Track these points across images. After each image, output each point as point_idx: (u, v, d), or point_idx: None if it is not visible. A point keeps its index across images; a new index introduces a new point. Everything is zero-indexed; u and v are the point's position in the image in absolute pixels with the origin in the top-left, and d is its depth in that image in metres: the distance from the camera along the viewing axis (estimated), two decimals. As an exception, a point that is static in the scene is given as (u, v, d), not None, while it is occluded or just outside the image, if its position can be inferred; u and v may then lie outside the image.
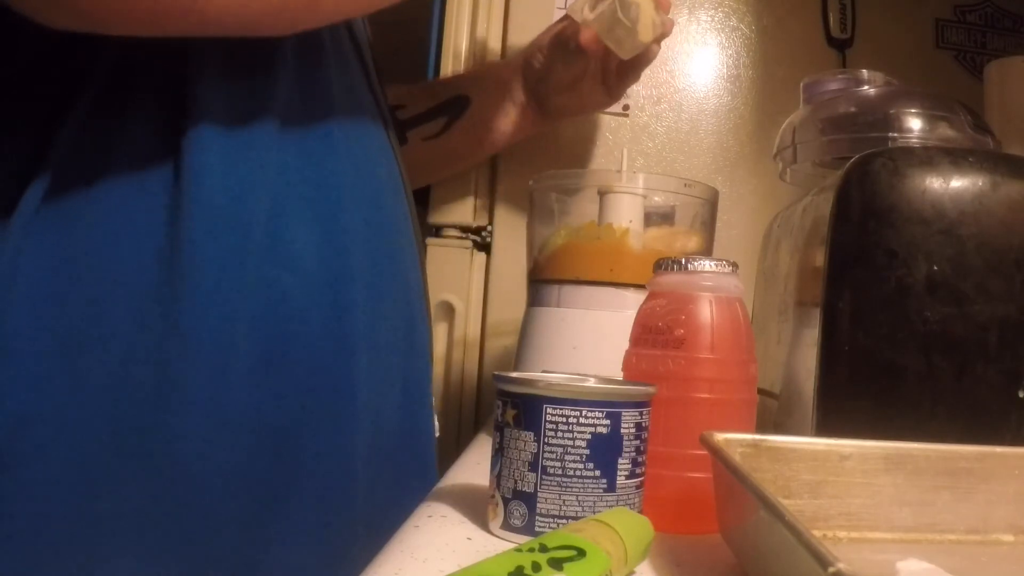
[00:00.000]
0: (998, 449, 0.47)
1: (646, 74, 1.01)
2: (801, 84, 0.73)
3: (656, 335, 0.50)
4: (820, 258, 0.54)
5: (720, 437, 0.43)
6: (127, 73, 0.48)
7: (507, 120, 0.85)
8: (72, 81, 0.48)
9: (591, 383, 0.45)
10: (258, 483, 0.49)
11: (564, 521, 0.42)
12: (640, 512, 0.44)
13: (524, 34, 0.94)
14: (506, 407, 0.44)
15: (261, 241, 0.49)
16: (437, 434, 0.67)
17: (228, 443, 0.47)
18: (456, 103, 0.84)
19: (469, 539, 0.44)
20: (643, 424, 0.44)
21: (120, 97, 0.48)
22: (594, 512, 0.42)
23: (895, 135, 0.63)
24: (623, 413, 0.43)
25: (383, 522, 0.56)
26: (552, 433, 0.43)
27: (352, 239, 0.55)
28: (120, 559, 0.45)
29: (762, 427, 0.53)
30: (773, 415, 0.61)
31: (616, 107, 1.00)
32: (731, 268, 0.51)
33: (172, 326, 0.46)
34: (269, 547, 0.49)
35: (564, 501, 0.42)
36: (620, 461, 0.43)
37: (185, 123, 0.48)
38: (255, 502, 0.49)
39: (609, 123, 1.01)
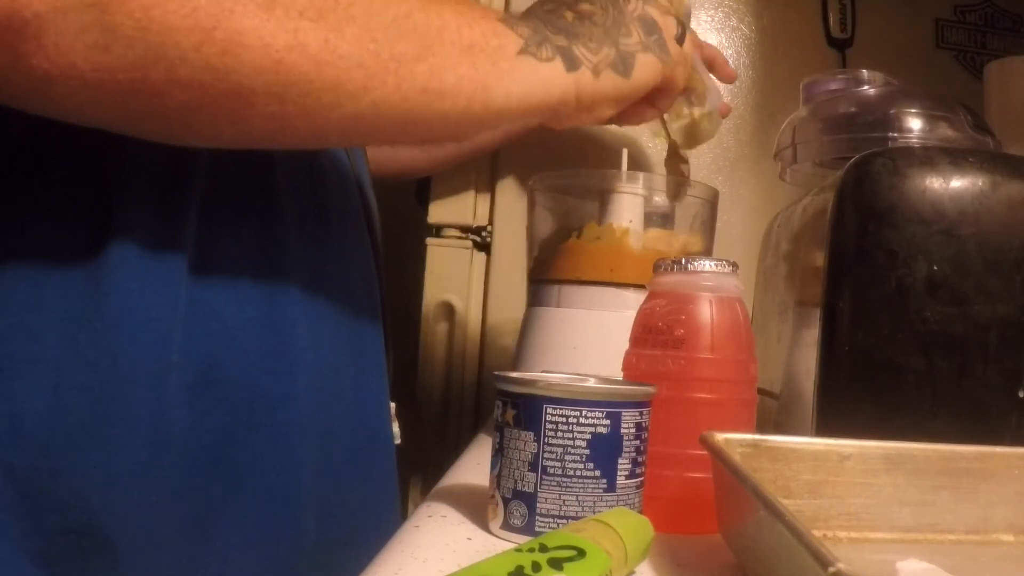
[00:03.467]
0: (998, 449, 0.47)
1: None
2: (801, 84, 0.73)
3: (656, 335, 0.50)
4: (820, 258, 0.54)
5: (720, 437, 0.43)
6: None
7: None
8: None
9: (591, 383, 0.45)
10: (196, 500, 0.49)
11: (564, 521, 0.42)
12: (640, 512, 0.44)
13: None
14: (506, 407, 0.44)
15: (192, 262, 0.49)
16: (397, 441, 0.67)
17: (163, 462, 0.47)
18: None
19: (469, 539, 0.44)
20: (643, 424, 0.44)
21: (50, 129, 0.47)
22: (594, 512, 0.42)
23: (895, 135, 0.63)
24: (623, 413, 0.43)
25: (338, 532, 0.56)
26: (552, 433, 0.43)
27: (290, 255, 0.54)
28: None
29: (762, 427, 0.53)
30: (773, 415, 0.61)
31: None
32: (731, 268, 0.51)
33: (104, 351, 0.46)
34: (209, 563, 0.49)
35: (564, 501, 0.42)
36: (620, 461, 0.43)
37: (111, 158, 0.48)
38: (193, 518, 0.49)
39: (609, 123, 1.00)
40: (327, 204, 0.59)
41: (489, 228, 1.02)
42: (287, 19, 0.42)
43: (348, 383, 0.59)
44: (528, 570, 0.33)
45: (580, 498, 0.42)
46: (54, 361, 0.46)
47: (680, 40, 0.62)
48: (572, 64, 0.54)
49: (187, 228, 0.49)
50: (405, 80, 0.46)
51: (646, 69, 0.58)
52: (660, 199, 0.75)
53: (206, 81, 0.41)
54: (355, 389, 0.60)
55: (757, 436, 0.45)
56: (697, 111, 0.74)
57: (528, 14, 0.55)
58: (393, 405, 0.67)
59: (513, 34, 0.51)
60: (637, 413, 0.44)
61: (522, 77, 0.51)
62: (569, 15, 0.56)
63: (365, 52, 0.44)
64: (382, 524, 0.58)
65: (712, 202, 0.76)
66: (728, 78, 0.83)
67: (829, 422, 0.52)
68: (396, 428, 0.67)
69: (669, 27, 0.61)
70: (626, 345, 0.53)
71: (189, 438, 0.48)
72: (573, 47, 0.54)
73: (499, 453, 0.45)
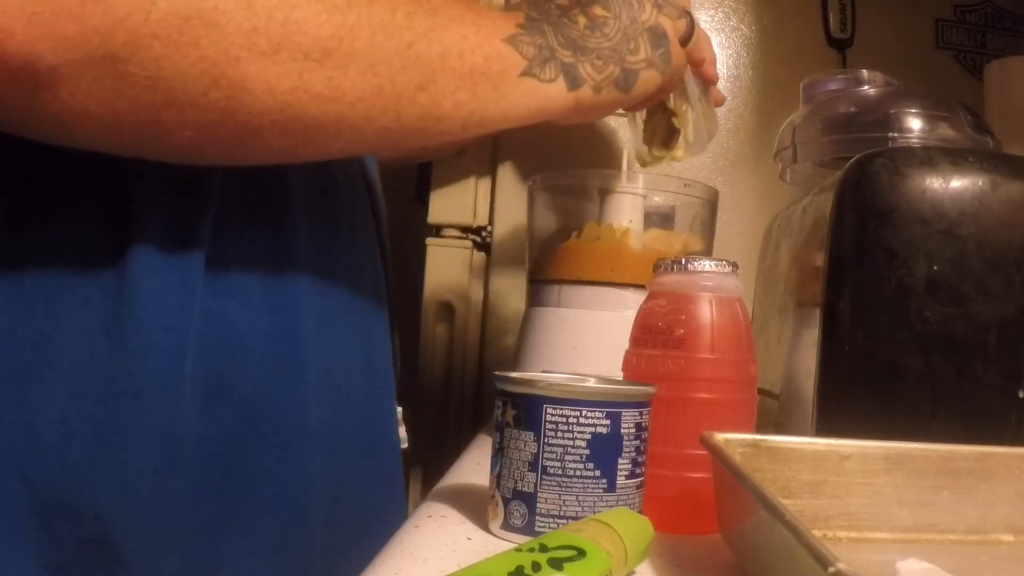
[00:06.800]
0: (998, 449, 0.47)
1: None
2: (801, 84, 0.73)
3: (656, 335, 0.50)
4: (820, 258, 0.54)
5: (720, 437, 0.43)
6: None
7: None
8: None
9: (591, 383, 0.45)
10: (207, 506, 0.49)
11: (564, 521, 0.42)
12: (640, 512, 0.44)
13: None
14: (506, 407, 0.44)
15: (206, 272, 0.49)
16: (404, 445, 0.67)
17: (176, 469, 0.47)
18: None
19: (469, 539, 0.44)
20: (643, 424, 0.44)
21: (67, 152, 0.47)
22: (594, 512, 0.42)
23: (895, 135, 0.63)
24: (623, 413, 0.43)
25: (346, 538, 0.56)
26: (552, 433, 0.43)
27: (300, 261, 0.55)
28: None
29: (762, 427, 0.53)
30: (773, 415, 0.61)
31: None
32: (731, 268, 0.51)
33: (120, 360, 0.46)
34: (220, 567, 0.49)
35: (564, 501, 0.42)
36: (620, 461, 0.43)
37: (129, 180, 0.48)
38: (204, 525, 0.49)
39: (609, 123, 1.01)
40: (337, 208, 0.60)
41: (489, 228, 1.02)
42: (292, 62, 0.43)
43: (356, 389, 0.60)
44: (528, 570, 0.33)
45: (580, 498, 0.42)
46: (70, 369, 0.46)
47: (685, 41, 0.63)
48: (575, 83, 0.55)
49: (202, 237, 0.50)
50: (405, 109, 0.48)
51: (646, 84, 0.60)
52: (660, 199, 0.75)
53: (213, 121, 0.43)
54: (364, 394, 0.61)
55: (757, 436, 0.45)
56: (674, 152, 0.74)
57: (541, 13, 0.56)
58: (400, 409, 0.67)
59: (517, 56, 0.53)
60: (637, 413, 0.44)
61: (521, 98, 0.53)
62: (582, 21, 0.57)
63: (368, 87, 0.46)
64: (389, 529, 0.59)
65: (712, 202, 0.76)
66: (717, 102, 0.83)
67: (829, 422, 0.52)
68: (403, 432, 0.67)
69: (679, 30, 0.62)
70: (626, 345, 0.53)
71: (201, 445, 0.49)
72: (578, 66, 0.55)
73: (499, 453, 0.45)
